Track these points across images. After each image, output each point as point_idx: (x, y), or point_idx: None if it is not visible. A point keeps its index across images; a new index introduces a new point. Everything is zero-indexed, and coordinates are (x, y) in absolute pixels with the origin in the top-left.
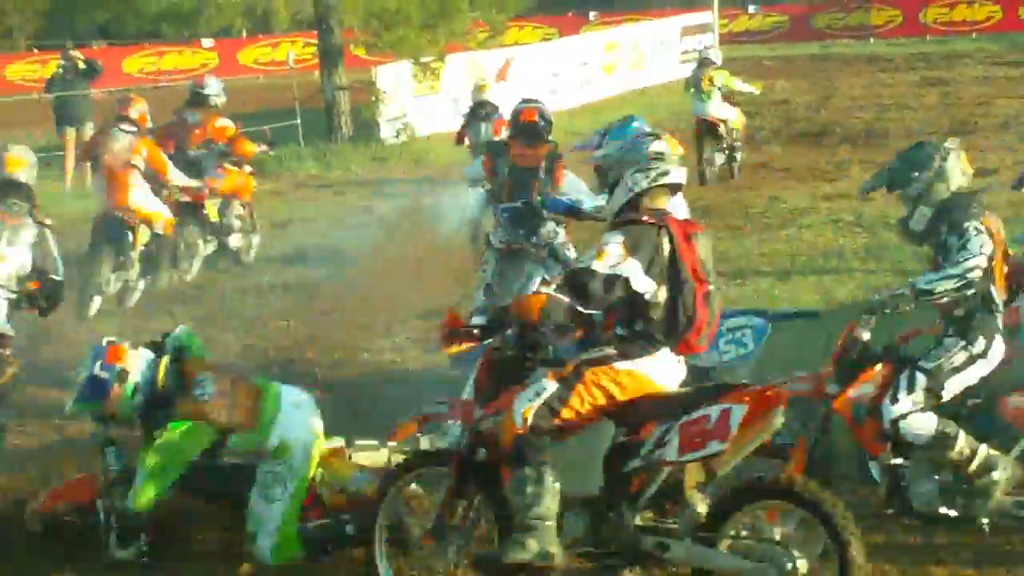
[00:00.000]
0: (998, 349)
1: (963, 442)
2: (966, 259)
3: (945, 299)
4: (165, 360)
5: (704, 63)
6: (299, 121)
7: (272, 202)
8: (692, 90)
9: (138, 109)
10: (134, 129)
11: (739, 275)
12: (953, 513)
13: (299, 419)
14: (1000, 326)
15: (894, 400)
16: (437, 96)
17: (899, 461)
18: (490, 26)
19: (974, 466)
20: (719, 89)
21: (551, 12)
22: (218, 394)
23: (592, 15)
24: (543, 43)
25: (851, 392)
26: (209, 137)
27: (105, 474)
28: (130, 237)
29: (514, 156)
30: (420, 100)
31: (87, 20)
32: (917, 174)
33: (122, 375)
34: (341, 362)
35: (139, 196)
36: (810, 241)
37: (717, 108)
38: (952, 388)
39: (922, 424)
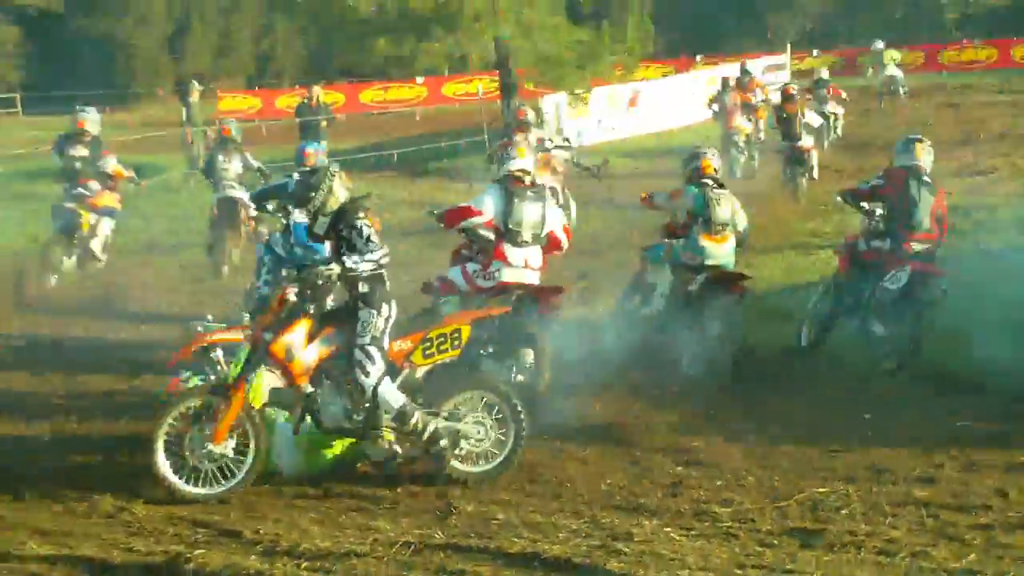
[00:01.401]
0: (393, 306)
1: (416, 417)
2: (373, 249)
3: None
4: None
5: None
6: (486, 137)
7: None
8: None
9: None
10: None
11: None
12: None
13: None
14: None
15: (366, 374)
16: (586, 118)
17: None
18: (624, 66)
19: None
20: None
21: (670, 55)
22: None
23: (699, 57)
24: (663, 78)
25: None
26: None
27: None
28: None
29: None
30: (573, 122)
31: (339, 62)
32: (313, 194)
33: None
34: None
35: None
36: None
37: (805, 139)
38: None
39: (394, 398)
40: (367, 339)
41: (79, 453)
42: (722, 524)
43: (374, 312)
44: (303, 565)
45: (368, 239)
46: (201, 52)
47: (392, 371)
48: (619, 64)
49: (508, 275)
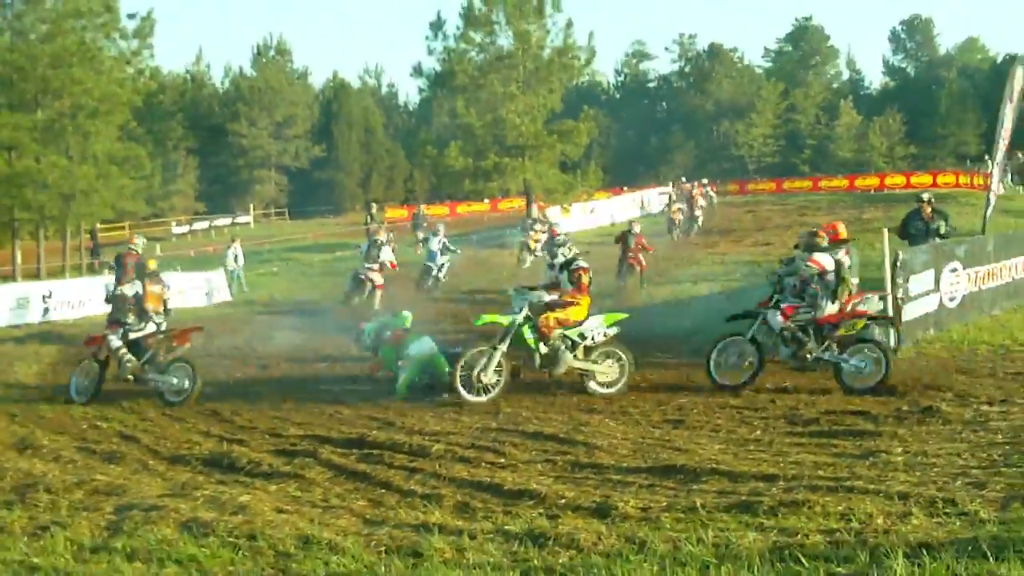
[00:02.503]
0: None
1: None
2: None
3: None
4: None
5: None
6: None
7: None
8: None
9: None
10: None
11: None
12: None
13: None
14: None
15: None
16: (569, 219)
17: None
18: (587, 193)
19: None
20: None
21: (611, 186)
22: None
23: (625, 188)
24: (608, 199)
25: None
26: None
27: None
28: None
29: None
30: (564, 220)
31: (447, 190)
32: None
33: (367, 334)
34: None
35: None
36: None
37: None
38: None
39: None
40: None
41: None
42: (632, 416)
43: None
44: (427, 438)
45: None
46: (377, 186)
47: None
48: (584, 192)
49: None
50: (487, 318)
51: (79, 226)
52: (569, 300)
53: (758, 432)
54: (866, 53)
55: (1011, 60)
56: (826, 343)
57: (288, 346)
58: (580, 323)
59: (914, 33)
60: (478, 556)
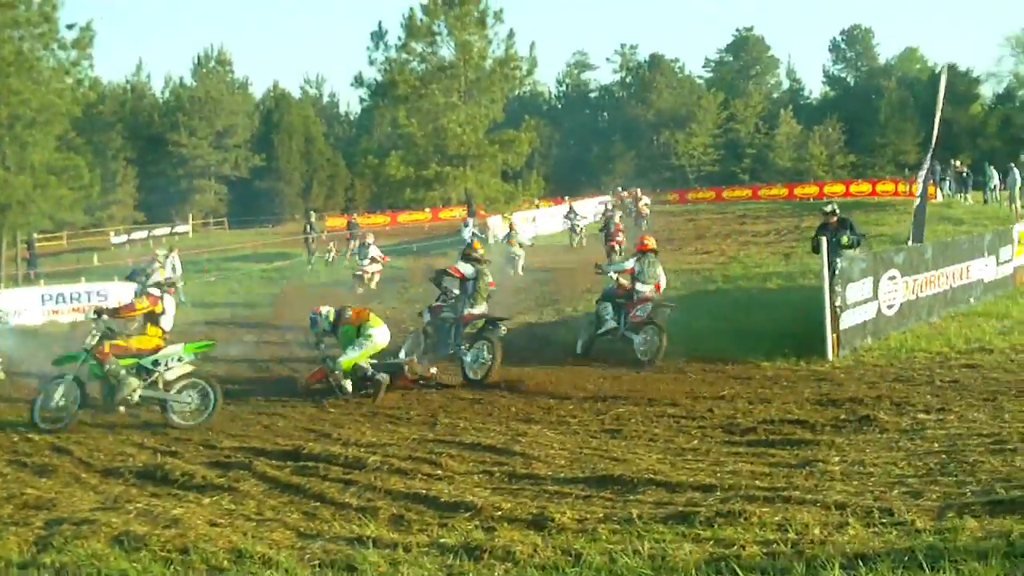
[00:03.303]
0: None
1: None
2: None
3: None
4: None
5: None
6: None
7: None
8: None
9: None
10: None
11: None
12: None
13: (381, 332)
14: None
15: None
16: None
17: None
18: (529, 201)
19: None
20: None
21: (551, 195)
22: (354, 314)
23: (565, 197)
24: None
25: None
26: None
27: (326, 363)
28: None
29: None
30: (503, 230)
31: (388, 200)
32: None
33: (324, 316)
34: None
35: None
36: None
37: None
38: None
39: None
40: None
41: None
42: (570, 425)
43: None
44: (363, 449)
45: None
46: (318, 195)
47: None
48: (527, 201)
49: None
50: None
51: (15, 236)
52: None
53: (696, 441)
54: (806, 63)
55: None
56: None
57: (224, 357)
58: (151, 351)
59: (854, 43)
60: (413, 570)
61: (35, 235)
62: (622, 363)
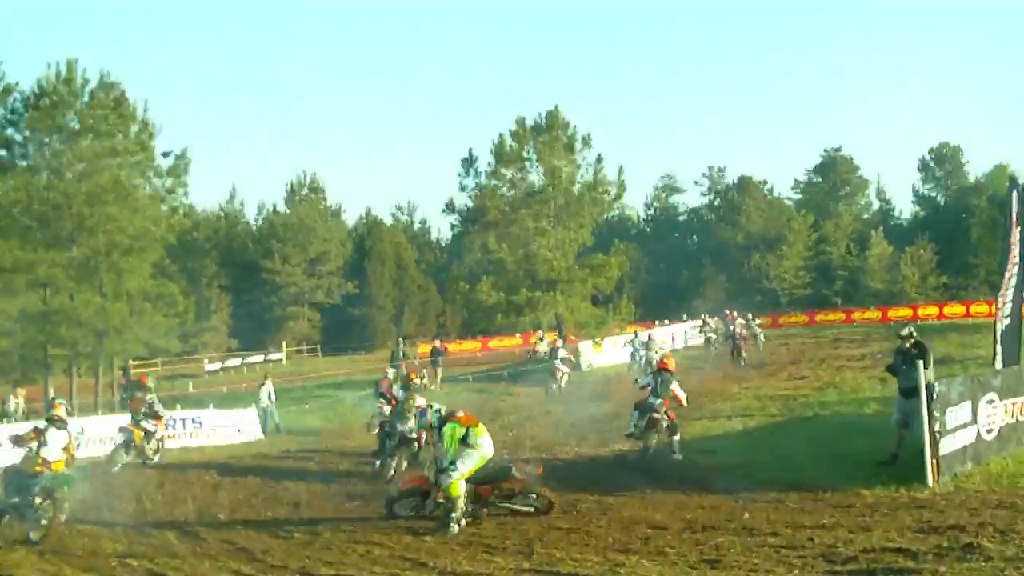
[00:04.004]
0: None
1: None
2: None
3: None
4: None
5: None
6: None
7: None
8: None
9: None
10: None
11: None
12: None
13: (487, 442)
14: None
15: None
16: (601, 354)
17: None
18: (619, 326)
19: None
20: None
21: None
22: (464, 416)
23: (657, 322)
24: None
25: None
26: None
27: (434, 478)
28: None
29: None
30: (596, 355)
31: (480, 325)
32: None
33: (435, 410)
34: None
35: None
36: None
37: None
38: None
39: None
40: None
41: None
42: (668, 556)
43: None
44: None
45: None
46: (409, 322)
47: None
48: (616, 326)
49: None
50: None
51: (111, 362)
52: None
53: (796, 572)
54: (896, 182)
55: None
56: None
57: (320, 485)
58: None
59: (943, 161)
60: None
61: (130, 362)
62: (718, 491)
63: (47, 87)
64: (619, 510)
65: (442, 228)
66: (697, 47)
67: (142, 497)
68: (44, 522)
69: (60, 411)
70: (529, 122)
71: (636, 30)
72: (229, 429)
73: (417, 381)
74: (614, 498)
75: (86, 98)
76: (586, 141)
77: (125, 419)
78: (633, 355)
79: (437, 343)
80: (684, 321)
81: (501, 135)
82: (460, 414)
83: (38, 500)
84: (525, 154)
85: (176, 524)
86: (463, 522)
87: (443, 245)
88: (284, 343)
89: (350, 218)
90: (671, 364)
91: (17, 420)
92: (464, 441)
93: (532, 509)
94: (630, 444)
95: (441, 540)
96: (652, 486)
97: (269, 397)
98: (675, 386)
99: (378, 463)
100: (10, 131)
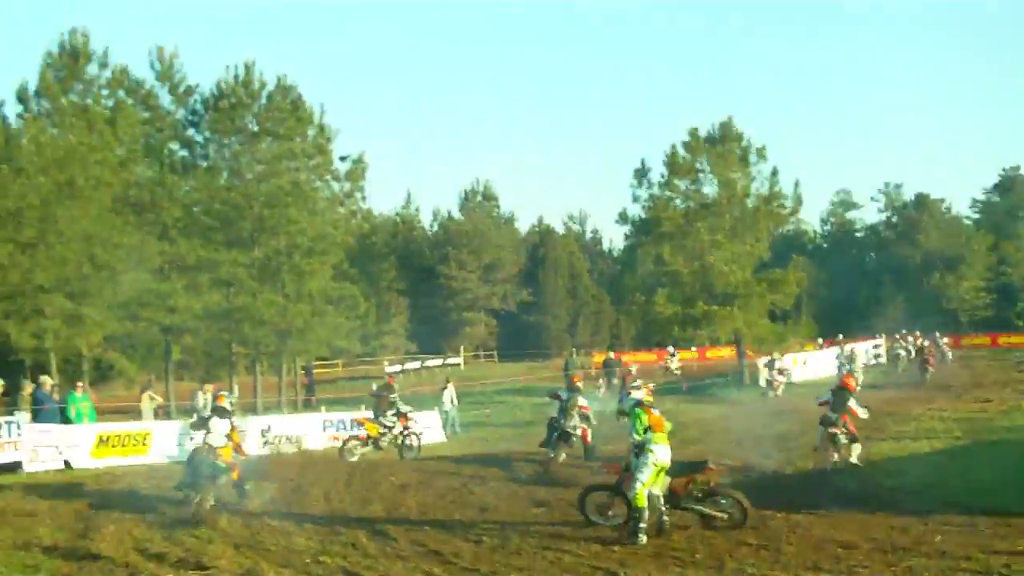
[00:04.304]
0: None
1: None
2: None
3: None
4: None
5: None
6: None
7: None
8: None
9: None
10: None
11: None
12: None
13: (663, 449)
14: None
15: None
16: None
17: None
18: (800, 344)
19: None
20: None
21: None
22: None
23: (840, 335)
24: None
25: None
26: None
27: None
28: None
29: None
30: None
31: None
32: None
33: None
34: None
35: None
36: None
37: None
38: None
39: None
40: None
41: None
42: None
43: None
44: None
45: None
46: (583, 331)
47: None
48: (796, 343)
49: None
50: None
51: (295, 362)
52: None
53: None
54: None
55: None
56: None
57: (505, 489)
58: None
59: None
60: None
61: (312, 362)
62: (906, 513)
63: (226, 89)
64: (807, 528)
65: (613, 238)
66: (870, 61)
67: (331, 495)
68: (201, 504)
69: (223, 402)
70: (702, 133)
71: (808, 42)
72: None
73: (580, 385)
74: (801, 516)
75: (263, 100)
76: (760, 153)
77: (311, 419)
78: (839, 368)
79: (611, 354)
80: (873, 338)
81: (673, 146)
82: (656, 412)
83: (203, 482)
84: (699, 166)
85: (366, 523)
86: (649, 533)
87: (614, 255)
88: (462, 348)
89: (522, 226)
90: (851, 383)
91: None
92: (642, 445)
93: (725, 516)
94: (813, 462)
95: (631, 551)
96: (839, 506)
97: (451, 401)
98: (852, 403)
99: (546, 449)
100: (191, 131)
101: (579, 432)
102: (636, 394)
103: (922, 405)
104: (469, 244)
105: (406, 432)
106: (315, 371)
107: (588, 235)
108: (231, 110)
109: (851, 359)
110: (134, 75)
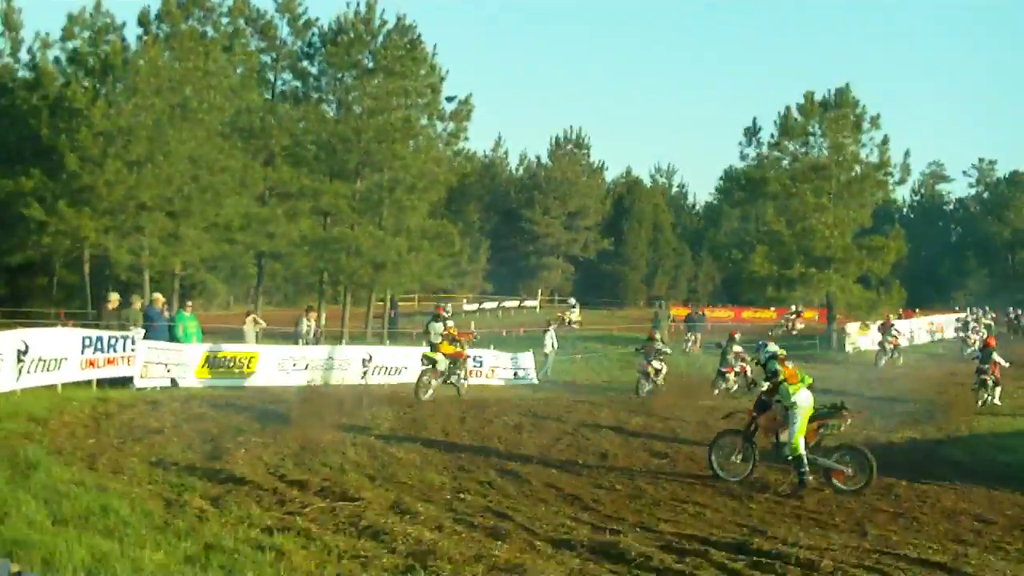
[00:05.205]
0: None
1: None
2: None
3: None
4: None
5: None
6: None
7: None
8: None
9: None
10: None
11: None
12: None
13: (804, 396)
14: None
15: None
16: (866, 336)
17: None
18: (888, 310)
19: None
20: None
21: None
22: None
23: (916, 310)
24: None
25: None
26: None
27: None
28: None
29: None
30: (862, 337)
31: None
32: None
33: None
34: None
35: None
36: None
37: None
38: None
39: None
40: None
41: None
42: (1007, 551)
43: None
44: (807, 551)
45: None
46: (661, 284)
47: None
48: (886, 310)
49: None
50: None
51: (385, 294)
52: None
53: None
54: None
55: None
56: None
57: (618, 437)
58: None
59: None
60: None
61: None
62: None
63: (345, 24)
64: (937, 498)
65: (698, 193)
66: (974, 38)
67: (448, 431)
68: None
69: (442, 312)
70: (817, 97)
71: (922, 11)
72: (508, 372)
73: (657, 335)
74: (926, 486)
75: (381, 38)
76: (875, 121)
77: (414, 351)
78: (957, 332)
79: (695, 308)
80: (955, 311)
81: (788, 107)
82: (790, 364)
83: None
84: (810, 128)
85: (493, 460)
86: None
87: (698, 211)
88: (540, 291)
89: (609, 175)
90: (993, 342)
91: (308, 342)
92: (776, 391)
93: (850, 471)
94: (919, 432)
95: (767, 508)
96: (960, 478)
97: (552, 344)
98: (996, 355)
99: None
100: (305, 63)
101: (659, 371)
102: (771, 346)
103: (1009, 382)
104: (556, 191)
105: (455, 368)
106: (400, 304)
107: (674, 189)
108: (349, 45)
109: (969, 326)
110: (255, 3)
